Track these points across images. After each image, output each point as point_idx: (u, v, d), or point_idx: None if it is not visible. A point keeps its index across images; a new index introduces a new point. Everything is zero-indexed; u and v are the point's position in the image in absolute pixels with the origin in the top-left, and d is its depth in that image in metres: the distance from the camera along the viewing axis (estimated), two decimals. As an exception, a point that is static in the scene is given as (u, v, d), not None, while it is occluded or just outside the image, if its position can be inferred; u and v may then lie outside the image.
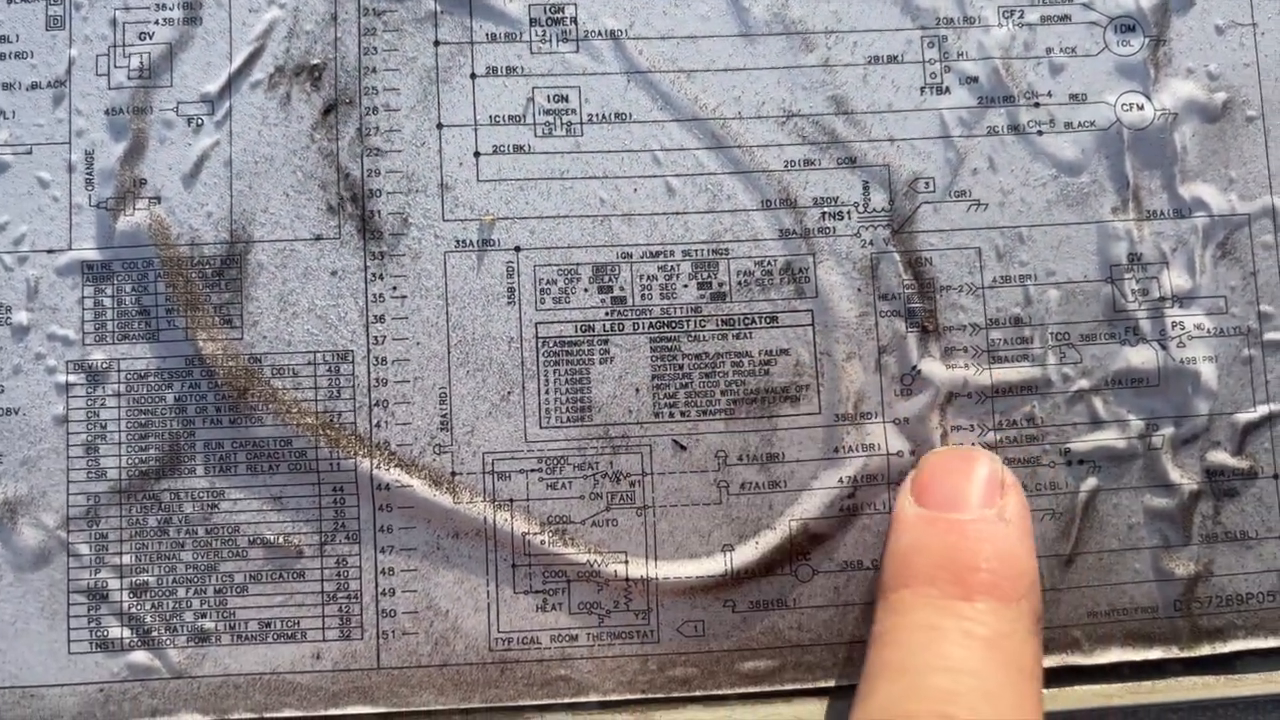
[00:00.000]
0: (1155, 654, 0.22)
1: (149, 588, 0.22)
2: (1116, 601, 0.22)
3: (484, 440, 0.22)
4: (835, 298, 0.22)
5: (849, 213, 0.23)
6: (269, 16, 0.22)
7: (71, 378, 0.22)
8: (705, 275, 0.22)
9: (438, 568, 0.22)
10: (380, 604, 0.22)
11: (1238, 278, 0.23)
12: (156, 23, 0.22)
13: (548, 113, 0.22)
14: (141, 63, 0.22)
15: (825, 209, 0.23)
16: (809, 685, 0.22)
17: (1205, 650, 0.22)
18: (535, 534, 0.22)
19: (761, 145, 0.23)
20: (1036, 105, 0.23)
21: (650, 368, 0.22)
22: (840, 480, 0.22)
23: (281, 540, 0.22)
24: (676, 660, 0.22)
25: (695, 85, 0.23)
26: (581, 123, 0.22)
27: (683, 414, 0.22)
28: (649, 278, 0.22)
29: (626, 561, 0.22)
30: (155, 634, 0.21)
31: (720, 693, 0.22)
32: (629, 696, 0.22)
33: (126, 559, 0.22)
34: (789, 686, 0.22)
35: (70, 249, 0.22)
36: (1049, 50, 0.23)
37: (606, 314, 0.22)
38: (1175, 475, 0.22)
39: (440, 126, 0.22)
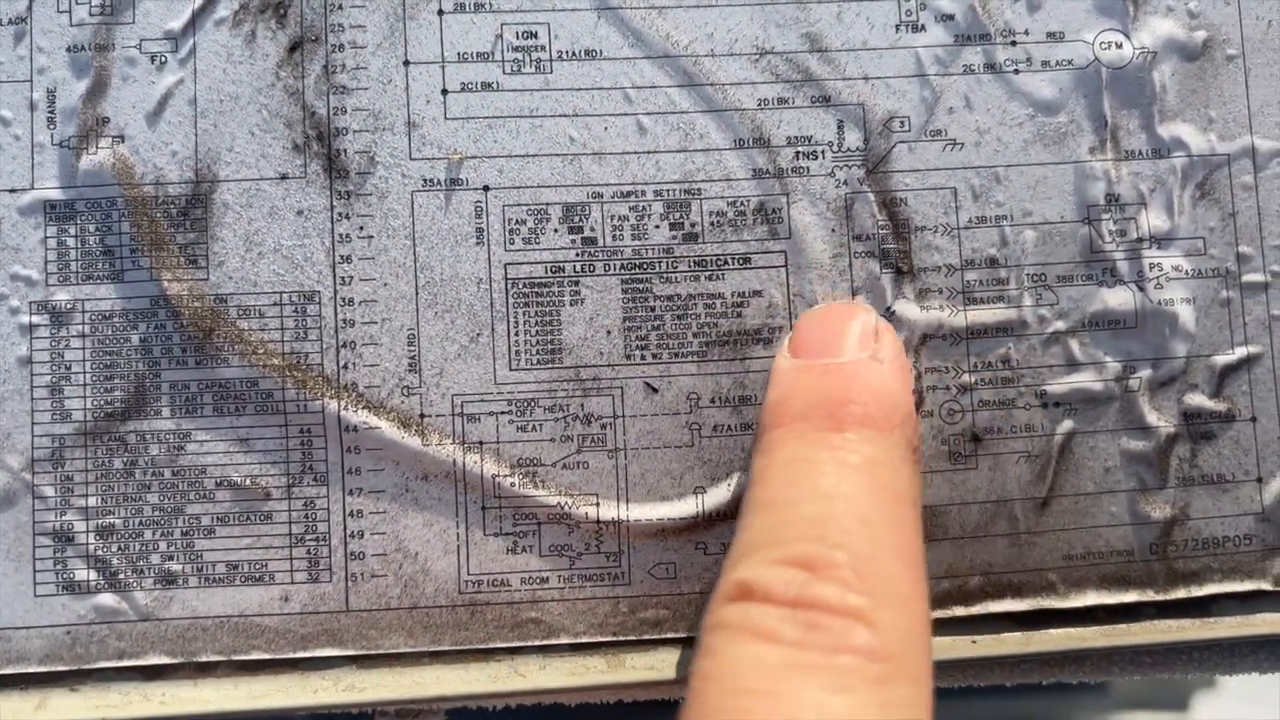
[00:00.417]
0: (1131, 597, 0.22)
1: (115, 530, 0.21)
2: (1092, 545, 0.22)
3: (453, 382, 0.22)
4: (809, 239, 0.22)
5: (823, 152, 0.22)
6: (233, -48, 0.22)
7: (35, 318, 0.22)
8: (677, 216, 0.22)
9: (407, 510, 0.22)
10: (349, 546, 0.21)
11: (1216, 219, 0.22)
12: (119, -42, 0.22)
13: (516, 49, 0.22)
14: (104, -1, 0.22)
15: (799, 148, 0.22)
16: (781, 627, 0.22)
17: (1181, 594, 0.22)
18: (505, 476, 0.22)
19: (734, 83, 0.22)
20: (1013, 44, 0.22)
21: (621, 309, 0.22)
22: (813, 422, 0.22)
23: (249, 482, 0.21)
24: (648, 603, 0.22)
25: (667, 22, 0.22)
26: (551, 60, 0.22)
27: (654, 356, 0.22)
28: (620, 218, 0.22)
29: (598, 504, 0.22)
30: (122, 576, 0.21)
31: (692, 635, 0.22)
32: (600, 639, 0.22)
33: (92, 501, 0.21)
34: (760, 629, 0.22)
35: (33, 188, 0.22)
36: (1027, -13, 0.22)
37: (577, 255, 0.22)
38: (1152, 418, 0.22)
39: (407, 64, 0.22)
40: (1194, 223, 0.22)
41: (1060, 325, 0.22)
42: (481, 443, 0.22)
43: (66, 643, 0.21)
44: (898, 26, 0.22)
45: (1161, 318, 0.22)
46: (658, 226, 0.22)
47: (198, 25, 0.22)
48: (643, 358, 0.22)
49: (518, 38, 0.22)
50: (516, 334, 0.22)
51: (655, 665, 0.21)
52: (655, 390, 0.22)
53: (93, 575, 0.21)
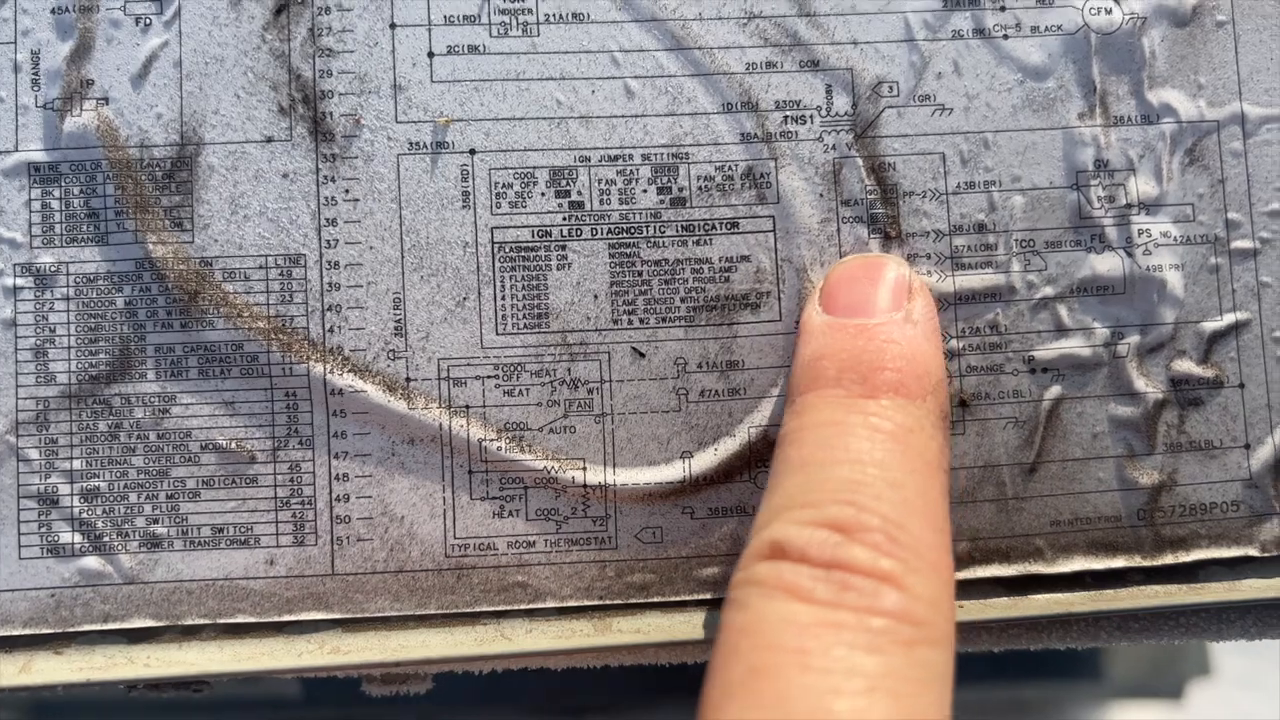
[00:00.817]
0: (1118, 563, 0.22)
1: (100, 493, 0.21)
2: (1080, 510, 0.22)
3: (439, 346, 0.22)
4: (797, 203, 0.22)
5: (811, 117, 0.22)
6: (219, -87, 0.22)
7: (19, 281, 0.21)
8: (665, 180, 0.22)
9: (393, 474, 0.21)
10: (334, 510, 0.21)
11: (1205, 185, 0.22)
12: (103, -81, 0.22)
13: (503, 12, 0.22)
14: (88, -40, 0.22)
15: (787, 113, 0.22)
16: (767, 592, 0.22)
17: (1168, 560, 0.22)
18: (492, 440, 0.22)
19: (722, 47, 0.22)
20: (1002, 9, 0.22)
21: (609, 274, 0.22)
22: (800, 387, 0.22)
23: (234, 445, 0.21)
24: (635, 567, 0.22)
25: (654, -15, 0.22)
26: (538, 23, 0.22)
27: (641, 321, 0.22)
28: (607, 182, 0.22)
29: (584, 468, 0.22)
30: (107, 539, 0.21)
31: (678, 599, 0.22)
32: (587, 603, 0.22)
33: (77, 464, 0.21)
34: (747, 593, 0.22)
35: (17, 150, 0.22)
36: (1016, -49, 0.22)
37: (564, 219, 0.22)
38: (1140, 384, 0.22)
39: (393, 26, 0.22)
40: (1183, 189, 0.22)
41: (1048, 291, 0.22)
42: (468, 407, 0.22)
43: (51, 605, 0.21)
44: (886, -9, 0.22)
45: (1150, 284, 0.22)
46: (645, 191, 0.22)
47: (183, -13, 0.22)
48: (630, 322, 0.22)
49: (504, 0, 0.22)
50: (503, 298, 0.22)
51: (642, 629, 0.21)
52: (642, 355, 0.22)
53: (77, 538, 0.21)
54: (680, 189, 0.22)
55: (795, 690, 0.16)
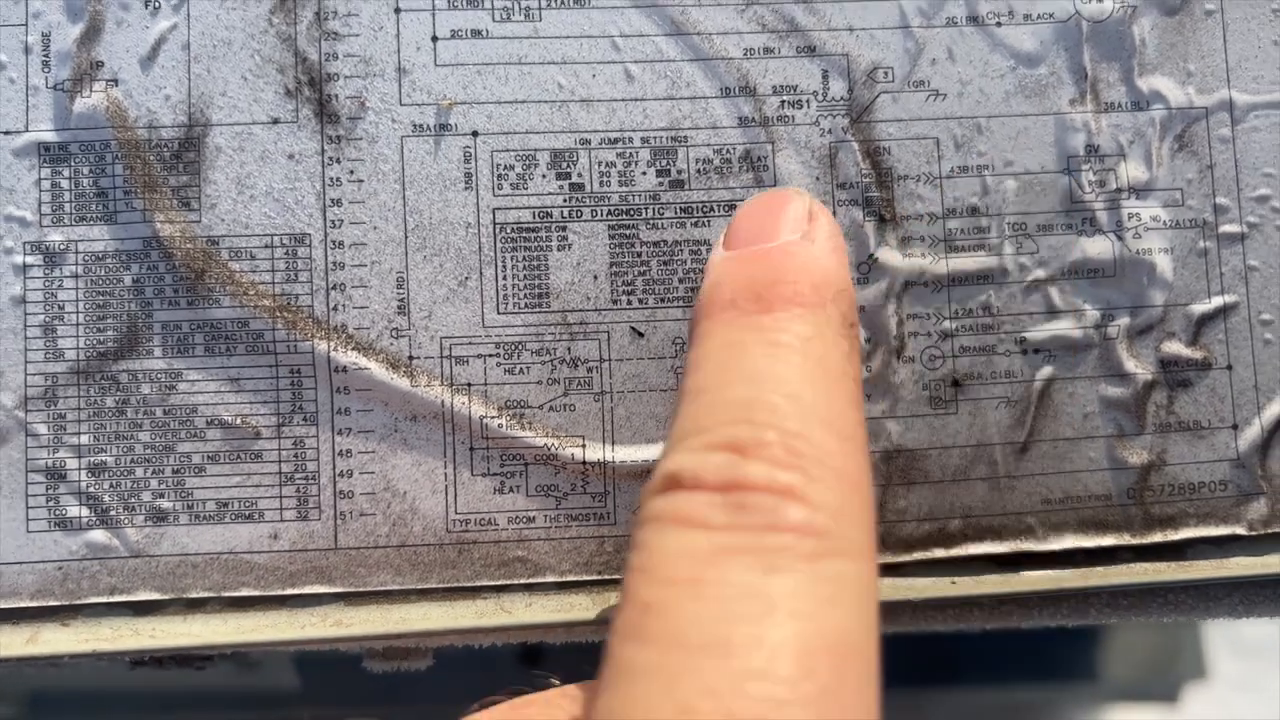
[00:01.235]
0: (1108, 541, 0.22)
1: (107, 467, 0.22)
2: (1070, 489, 0.22)
3: (441, 325, 0.22)
4: (794, 186, 0.22)
5: (808, 101, 0.23)
6: (227, -101, 0.22)
7: (29, 259, 0.22)
8: (664, 163, 0.22)
9: (395, 450, 0.22)
10: (338, 485, 0.22)
11: (1194, 170, 0.23)
12: (114, -96, 0.22)
13: (506, -3, 0.22)
14: (99, -56, 0.22)
15: (784, 97, 0.23)
16: (763, 567, 0.22)
17: (1157, 538, 0.22)
18: (493, 418, 0.22)
19: (721, 33, 0.23)
20: (996, -4, 0.23)
21: (608, 255, 0.22)
22: (796, 367, 0.22)
23: (239, 421, 0.22)
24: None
25: (654, -29, 0.22)
26: (540, 8, 0.22)
27: (640, 301, 0.22)
28: (607, 164, 0.22)
29: (584, 445, 0.22)
30: (113, 513, 0.22)
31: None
32: (586, 577, 0.22)
33: (85, 439, 0.22)
34: (743, 569, 0.22)
35: (27, 130, 0.22)
36: (1009, -59, 0.23)
37: (565, 200, 0.22)
38: (1130, 365, 0.23)
39: (398, 11, 0.22)
40: (1172, 174, 0.23)
41: (1040, 273, 0.23)
42: (470, 384, 0.22)
43: (58, 578, 0.21)
44: (882, -22, 0.23)
45: (1140, 267, 0.23)
46: (644, 173, 0.22)
47: (191, -29, 0.22)
48: (629, 302, 0.22)
49: (507, -15, 0.22)
50: (504, 278, 0.22)
51: (639, 603, 0.22)
52: (641, 335, 0.22)
53: (84, 512, 0.22)
54: (679, 172, 0.22)
55: (689, 622, 0.14)
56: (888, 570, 0.22)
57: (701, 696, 0.14)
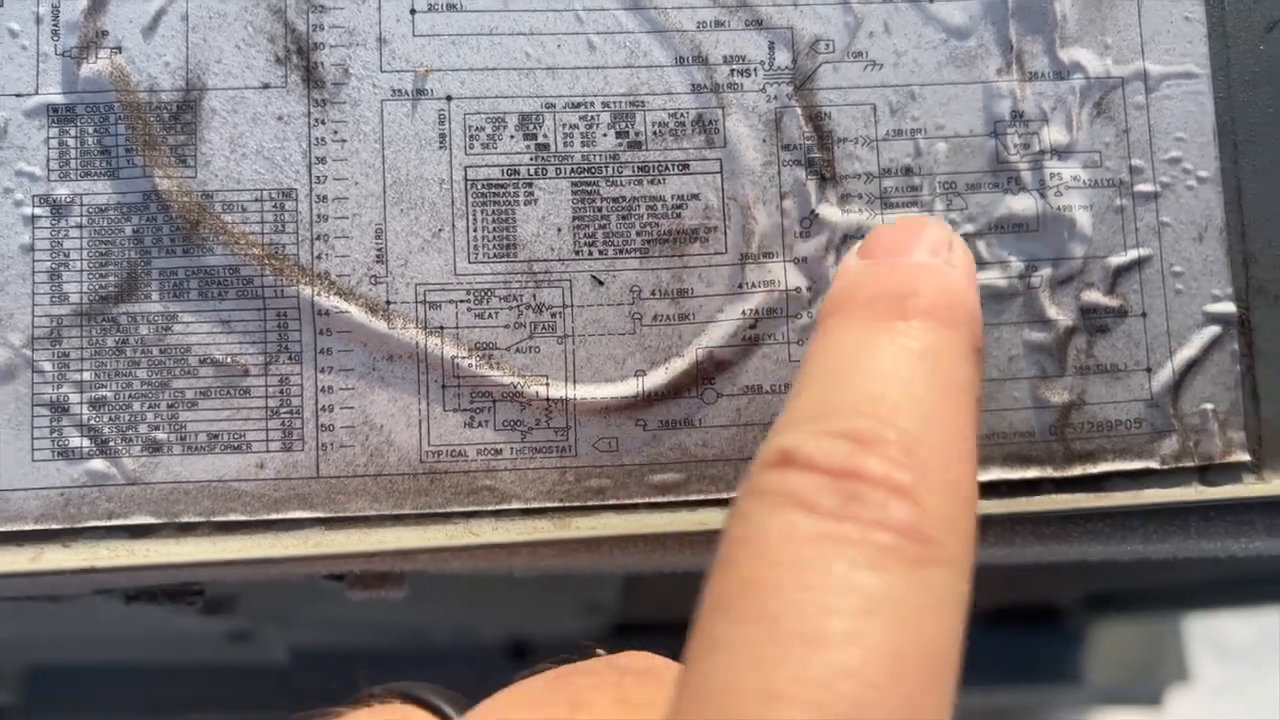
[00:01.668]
0: (1031, 474, 0.24)
1: (107, 402, 0.23)
2: (996, 426, 0.24)
3: (416, 273, 0.24)
4: (742, 148, 0.24)
5: (755, 70, 0.25)
6: (223, -117, 0.24)
7: (37, 210, 0.24)
8: (623, 125, 0.24)
9: (373, 387, 0.24)
10: (320, 419, 0.24)
11: (1111, 135, 0.25)
12: (119, -112, 0.24)
13: (478, -27, 0.24)
14: (105, -76, 0.24)
15: (734, 66, 0.25)
16: (712, 496, 0.24)
17: (1077, 471, 0.24)
18: (464, 358, 0.24)
19: (676, 7, 0.25)
20: (929, -24, 0.25)
21: (571, 209, 0.24)
22: (743, 313, 0.24)
23: (229, 360, 0.24)
24: (592, 472, 0.24)
25: (614, -50, 0.25)
26: (509, -17, 0.24)
27: (601, 252, 0.24)
28: (571, 127, 0.24)
29: (547, 384, 0.24)
30: (112, 444, 0.23)
31: (632, 501, 0.24)
32: (549, 504, 0.24)
33: (86, 375, 0.23)
34: (694, 497, 0.24)
35: (37, 93, 0.24)
36: (940, -76, 0.25)
37: (531, 159, 0.24)
38: (1052, 312, 0.24)
39: (379, -15, 0.24)
40: (1091, 138, 0.25)
41: (969, 228, 0.25)
42: (442, 328, 0.24)
43: (60, 503, 0.23)
44: (823, -42, 0.25)
45: (1061, 222, 0.25)
46: (605, 135, 0.24)
47: (190, -51, 0.24)
48: (590, 253, 0.24)
49: (479, -37, 0.24)
50: (475, 230, 0.24)
51: (598, 526, 0.23)
52: (601, 283, 0.24)
53: (85, 442, 0.23)
54: (637, 133, 0.24)
55: (788, 606, 0.14)
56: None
57: (790, 683, 0.14)
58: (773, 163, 0.24)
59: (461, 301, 0.24)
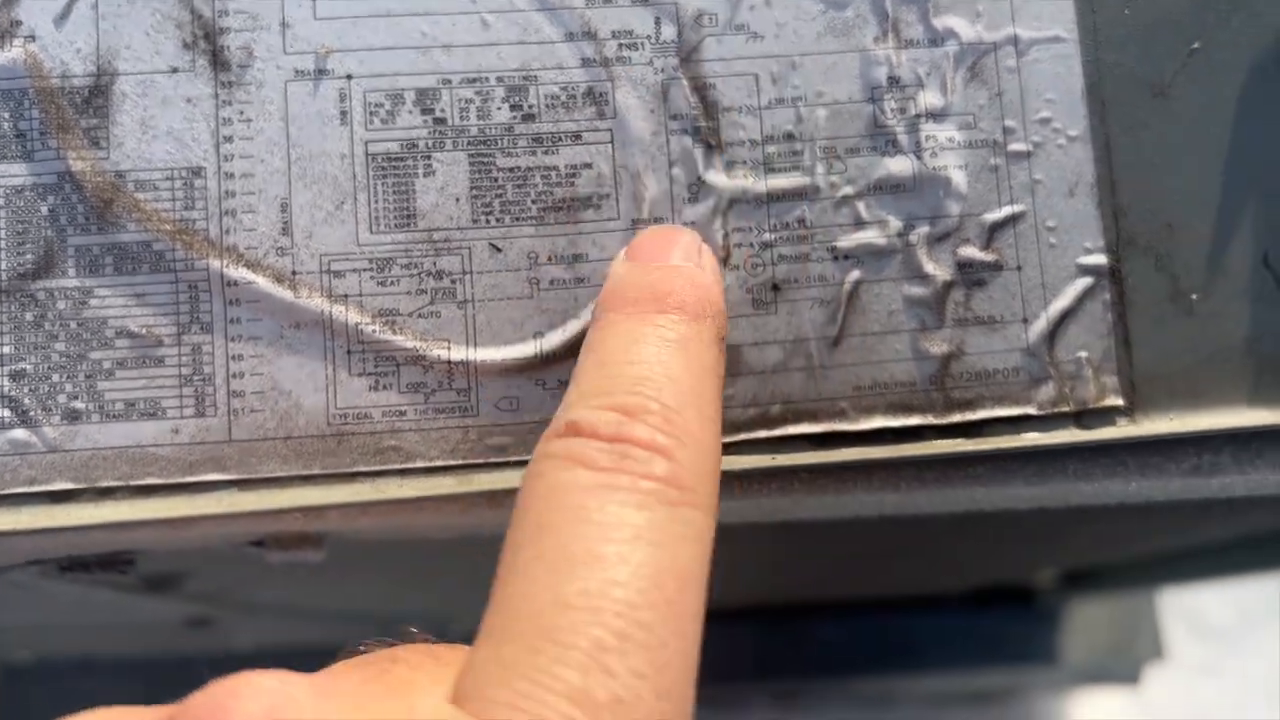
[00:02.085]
0: (914, 421, 0.25)
1: (26, 374, 0.25)
2: (879, 377, 0.25)
3: (321, 244, 0.25)
4: (631, 118, 0.26)
5: (642, 44, 0.26)
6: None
7: (-43, 193, 0.25)
8: (516, 99, 0.26)
9: (281, 354, 0.25)
10: (231, 385, 0.25)
11: (985, 97, 0.26)
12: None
13: (373, -43, 0.26)
14: (16, -80, 0.25)
15: (621, 40, 0.26)
16: (607, 449, 0.25)
17: (957, 418, 0.25)
18: (368, 324, 0.25)
19: (564, -14, 0.26)
20: (807, -50, 0.26)
21: (469, 180, 0.25)
22: (636, 275, 0.25)
23: (144, 331, 0.25)
24: (494, 431, 0.25)
25: (504, -67, 0.26)
26: (404, -34, 0.26)
27: (498, 220, 0.25)
28: (466, 101, 0.25)
29: (449, 347, 0.25)
30: (32, 414, 0.24)
31: (531, 458, 0.25)
32: (452, 463, 0.25)
33: (7, 349, 0.25)
34: (590, 451, 0.25)
35: (-45, 81, 0.25)
36: (816, -99, 0.26)
37: (429, 133, 0.25)
38: (930, 268, 0.26)
39: (280, -29, 0.25)
40: (965, 100, 0.26)
41: (849, 190, 0.26)
42: (346, 296, 0.25)
43: (-16, 471, 0.24)
44: (705, -64, 0.26)
45: (937, 182, 0.26)
46: (499, 108, 0.26)
47: (98, -59, 0.25)
48: (488, 222, 0.25)
49: (375, -52, 0.26)
50: (376, 202, 0.25)
51: (498, 481, 0.25)
52: (499, 250, 0.25)
53: (6, 413, 0.24)
54: (530, 106, 0.26)
55: (572, 538, 0.19)
56: (719, 451, 0.25)
57: (576, 595, 0.18)
58: (661, 132, 0.26)
59: (365, 270, 0.25)
